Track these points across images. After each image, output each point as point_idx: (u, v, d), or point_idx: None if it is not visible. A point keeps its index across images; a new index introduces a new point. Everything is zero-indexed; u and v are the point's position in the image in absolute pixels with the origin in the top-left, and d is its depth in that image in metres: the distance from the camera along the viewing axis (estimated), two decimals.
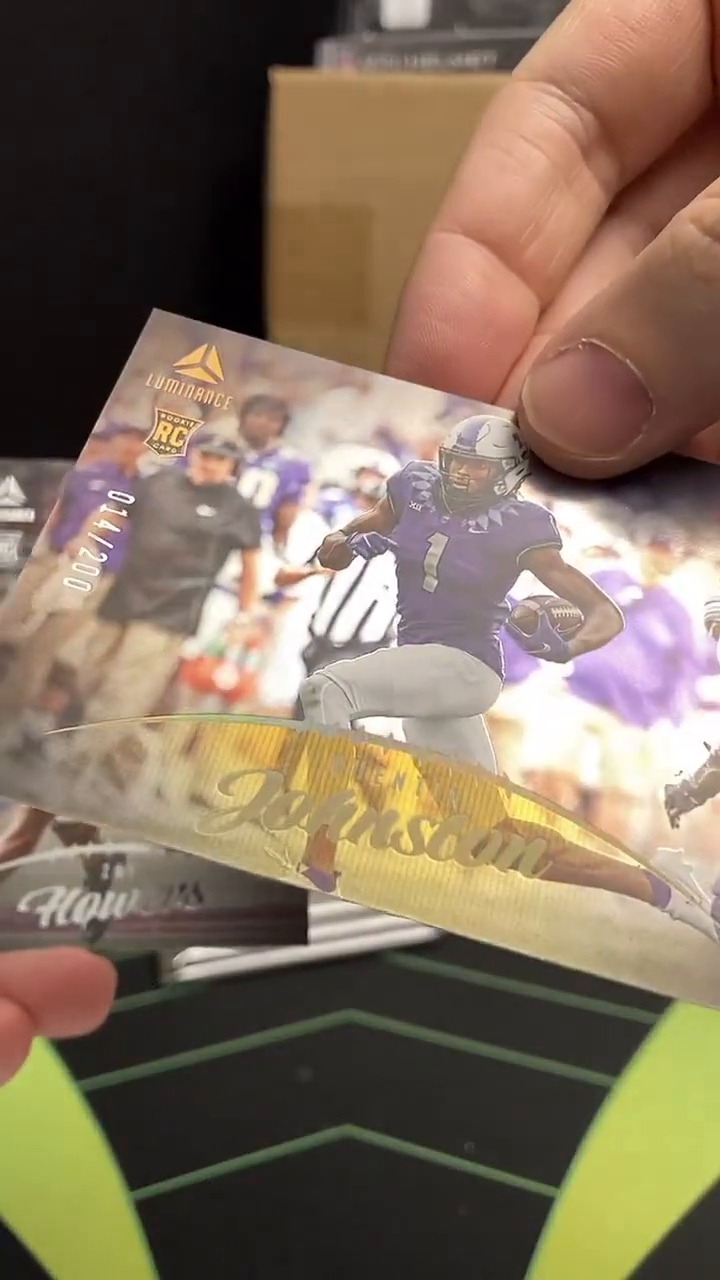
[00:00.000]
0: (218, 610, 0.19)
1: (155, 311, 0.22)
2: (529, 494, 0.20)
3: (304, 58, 0.74)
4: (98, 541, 0.19)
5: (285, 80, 0.71)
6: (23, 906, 0.27)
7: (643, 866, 0.17)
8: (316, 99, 0.72)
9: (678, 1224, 0.41)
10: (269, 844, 0.17)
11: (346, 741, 0.18)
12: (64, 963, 0.27)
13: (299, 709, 0.18)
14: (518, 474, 0.20)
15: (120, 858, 0.27)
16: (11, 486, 0.30)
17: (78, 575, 0.19)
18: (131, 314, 0.22)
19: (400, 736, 0.18)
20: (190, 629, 0.19)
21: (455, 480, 0.20)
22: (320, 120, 0.71)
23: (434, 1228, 0.41)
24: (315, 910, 0.48)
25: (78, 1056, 0.45)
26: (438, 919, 0.17)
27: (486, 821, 0.18)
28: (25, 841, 0.27)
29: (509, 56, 0.69)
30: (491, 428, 0.21)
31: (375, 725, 0.18)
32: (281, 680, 0.19)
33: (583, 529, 0.20)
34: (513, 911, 0.17)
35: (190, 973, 0.48)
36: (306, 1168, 0.43)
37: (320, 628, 0.19)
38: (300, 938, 0.27)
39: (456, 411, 0.21)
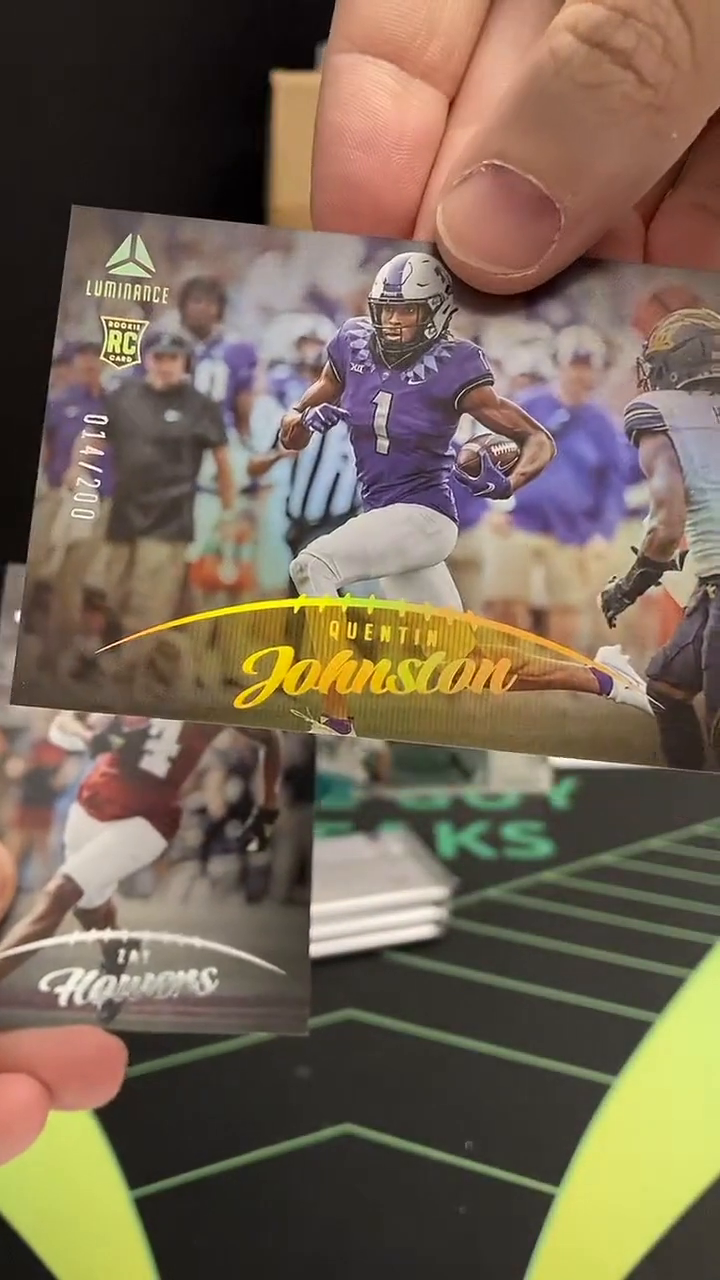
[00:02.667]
0: (205, 511, 0.22)
1: (75, 208, 0.22)
2: (457, 331, 0.22)
3: (304, 60, 0.77)
4: (88, 468, 0.22)
5: (285, 82, 0.76)
6: (43, 986, 0.29)
7: (589, 665, 0.22)
8: (316, 100, 0.67)
9: (677, 1222, 0.41)
10: (293, 706, 0.22)
11: (338, 608, 0.22)
12: (79, 1041, 0.29)
13: (292, 588, 0.22)
14: (445, 312, 0.22)
15: (135, 943, 0.29)
16: None
17: (81, 505, 0.22)
18: None
19: (381, 594, 0.22)
20: (187, 535, 0.22)
21: (388, 332, 0.22)
22: None
23: (433, 1226, 0.41)
24: (315, 910, 0.51)
25: None
26: (433, 739, 0.22)
27: (461, 653, 0.22)
28: (48, 925, 0.29)
29: None
30: (413, 265, 0.22)
31: (358, 589, 0.22)
32: (273, 566, 0.22)
33: (510, 358, 0.22)
34: (490, 722, 0.22)
35: None
36: (306, 1166, 0.43)
37: (295, 509, 0.22)
38: (300, 1027, 0.29)
39: (377, 255, 0.22)
